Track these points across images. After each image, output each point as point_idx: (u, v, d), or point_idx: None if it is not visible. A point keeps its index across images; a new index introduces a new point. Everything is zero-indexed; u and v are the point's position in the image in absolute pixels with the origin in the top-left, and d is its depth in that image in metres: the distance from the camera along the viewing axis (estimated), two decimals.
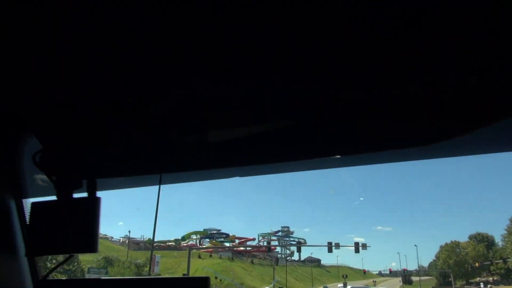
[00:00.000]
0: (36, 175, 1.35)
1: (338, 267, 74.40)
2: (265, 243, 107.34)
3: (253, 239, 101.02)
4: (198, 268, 63.11)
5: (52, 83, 1.06)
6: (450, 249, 65.07)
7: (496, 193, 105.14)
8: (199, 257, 71.84)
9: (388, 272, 71.96)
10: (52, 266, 1.88)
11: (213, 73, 0.98)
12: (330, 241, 35.62)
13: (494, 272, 61.58)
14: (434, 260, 77.62)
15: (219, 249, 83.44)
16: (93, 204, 1.26)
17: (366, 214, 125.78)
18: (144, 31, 0.86)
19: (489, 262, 53.11)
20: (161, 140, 1.31)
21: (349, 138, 1.15)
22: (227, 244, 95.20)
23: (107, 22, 0.83)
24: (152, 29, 0.85)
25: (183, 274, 42.43)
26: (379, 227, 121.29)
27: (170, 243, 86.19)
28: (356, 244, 34.01)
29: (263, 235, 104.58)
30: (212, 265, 66.03)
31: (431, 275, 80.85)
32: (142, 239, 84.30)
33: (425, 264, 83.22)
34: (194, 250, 77.57)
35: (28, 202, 1.34)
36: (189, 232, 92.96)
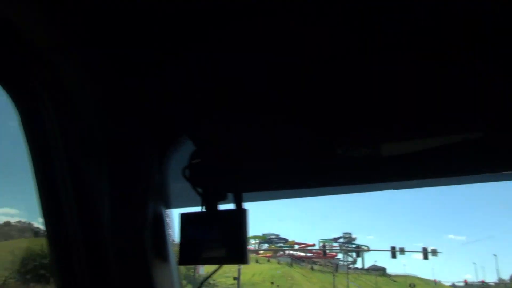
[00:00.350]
0: (183, 185, 1.38)
1: (405, 276, 69.44)
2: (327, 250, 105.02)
3: (313, 245, 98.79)
4: (256, 273, 62.48)
5: (215, 97, 1.15)
6: None
7: None
8: (257, 262, 71.05)
9: (462, 284, 65.70)
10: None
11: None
12: (394, 246, 32.62)
13: None
14: None
15: (278, 254, 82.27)
16: (241, 216, 1.30)
17: (436, 221, 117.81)
18: None
19: None
20: (309, 152, 1.29)
21: None
22: (286, 249, 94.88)
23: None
24: None
25: (234, 278, 41.88)
26: (451, 236, 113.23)
27: None
28: (424, 249, 30.75)
29: (324, 241, 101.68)
30: (270, 270, 64.88)
31: None
32: None
33: (506, 277, 75.09)
34: (253, 255, 77.41)
35: (175, 212, 1.40)
36: (248, 236, 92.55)
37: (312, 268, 77.97)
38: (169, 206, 1.35)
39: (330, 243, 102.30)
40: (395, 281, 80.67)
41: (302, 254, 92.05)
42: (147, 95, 1.21)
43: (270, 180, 1.39)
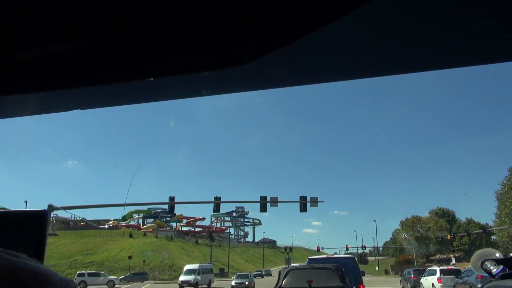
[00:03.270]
0: None
1: (293, 247, 67.96)
2: (218, 224, 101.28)
3: (203, 219, 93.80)
4: (124, 248, 54.28)
5: None
6: (411, 224, 59.45)
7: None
8: (131, 236, 62.38)
9: (343, 252, 66.35)
10: None
11: None
12: (265, 196, 26.64)
13: (457, 248, 56.82)
14: (391, 239, 73.15)
15: (161, 229, 74.99)
16: None
17: (323, 199, 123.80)
18: None
19: (453, 237, 47.45)
20: None
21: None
22: (174, 224, 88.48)
23: None
24: None
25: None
26: (336, 211, 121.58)
27: (109, 223, 77.16)
28: (303, 198, 25.58)
29: (216, 216, 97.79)
30: (143, 244, 56.99)
31: (385, 255, 76.54)
32: (73, 218, 73.85)
33: (380, 243, 78.95)
34: (126, 229, 68.93)
35: None
36: (130, 211, 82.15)
37: (196, 242, 72.01)
38: None
39: (222, 217, 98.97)
40: (283, 252, 79.64)
41: (191, 229, 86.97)
42: None
43: None
